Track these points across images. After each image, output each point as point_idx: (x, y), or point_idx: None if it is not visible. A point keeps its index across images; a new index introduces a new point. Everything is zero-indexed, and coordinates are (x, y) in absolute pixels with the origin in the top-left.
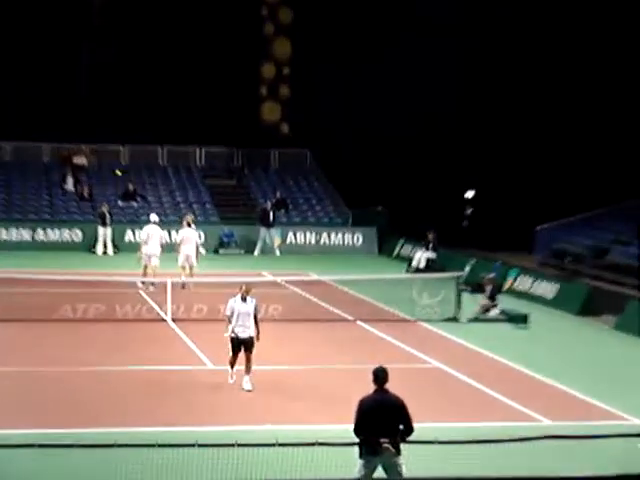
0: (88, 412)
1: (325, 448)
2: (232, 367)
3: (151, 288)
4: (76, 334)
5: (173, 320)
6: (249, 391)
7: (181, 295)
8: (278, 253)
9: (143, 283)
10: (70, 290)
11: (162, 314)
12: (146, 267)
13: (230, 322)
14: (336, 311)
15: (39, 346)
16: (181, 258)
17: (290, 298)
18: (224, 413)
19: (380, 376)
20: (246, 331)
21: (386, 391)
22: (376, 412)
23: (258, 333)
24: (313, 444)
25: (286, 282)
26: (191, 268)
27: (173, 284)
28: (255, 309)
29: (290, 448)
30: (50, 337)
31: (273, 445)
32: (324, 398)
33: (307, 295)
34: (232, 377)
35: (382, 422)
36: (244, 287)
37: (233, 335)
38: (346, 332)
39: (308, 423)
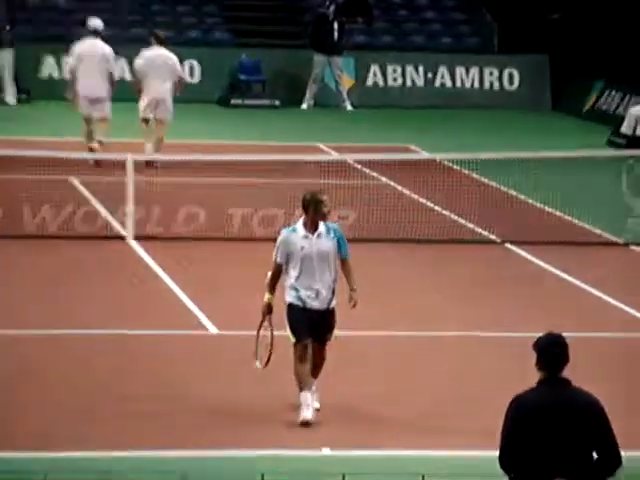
0: None
1: None
2: (301, 373)
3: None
4: None
5: (138, 239)
6: (316, 410)
7: (148, 188)
8: (349, 106)
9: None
10: None
11: (117, 226)
12: (89, 122)
13: (275, 278)
14: (467, 224)
15: None
16: (145, 104)
17: (376, 197)
18: (256, 428)
19: (554, 354)
20: (322, 295)
21: (566, 384)
22: (545, 424)
23: (353, 289)
24: None
25: (367, 165)
26: (161, 126)
27: (135, 165)
28: (341, 247)
29: None
30: None
31: None
32: (442, 398)
33: (408, 192)
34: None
35: (557, 444)
36: (313, 200)
37: (295, 301)
38: (488, 265)
39: (411, 447)
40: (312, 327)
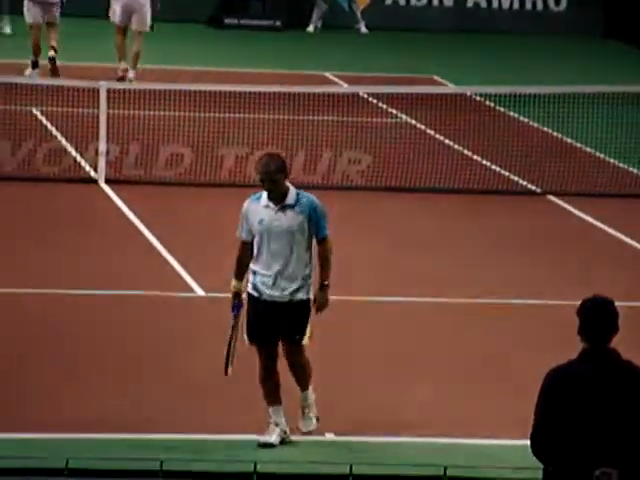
0: None
1: None
2: (264, 385)
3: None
4: None
5: (111, 182)
6: (309, 431)
7: (124, 123)
8: (364, 28)
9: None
10: None
11: (86, 167)
12: (36, 33)
13: (241, 260)
14: (501, 171)
15: None
16: (118, 10)
17: (394, 138)
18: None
19: (600, 321)
20: (281, 283)
21: (613, 356)
22: (587, 403)
23: (323, 286)
24: None
25: (384, 100)
26: (139, 38)
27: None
28: (314, 225)
29: None
30: None
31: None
32: (468, 375)
33: (432, 132)
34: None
35: (601, 427)
36: (259, 167)
37: (250, 290)
38: (525, 219)
39: (429, 434)
40: (271, 324)
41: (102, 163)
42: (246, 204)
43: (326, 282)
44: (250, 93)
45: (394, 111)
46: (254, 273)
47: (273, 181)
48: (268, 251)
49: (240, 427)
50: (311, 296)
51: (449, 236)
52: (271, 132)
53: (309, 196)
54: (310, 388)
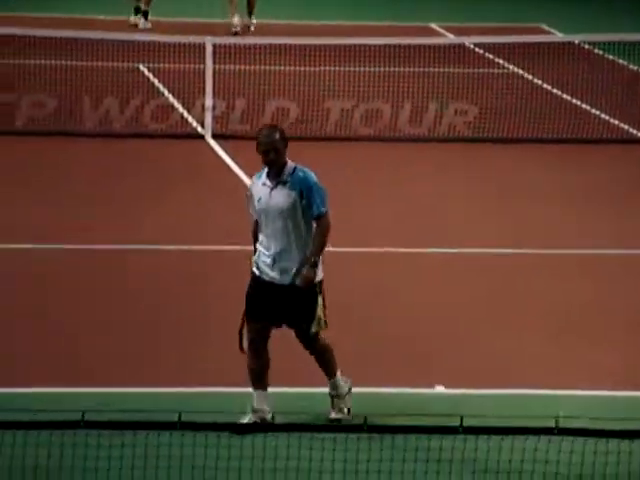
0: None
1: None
2: (251, 366)
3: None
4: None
5: (217, 137)
6: (338, 420)
7: (230, 78)
8: None
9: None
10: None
11: (193, 122)
12: None
13: (255, 237)
14: (612, 120)
15: None
16: None
17: (501, 89)
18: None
19: None
20: (280, 264)
21: None
22: None
23: (312, 262)
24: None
25: (490, 50)
26: None
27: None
28: (307, 203)
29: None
30: None
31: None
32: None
33: (540, 82)
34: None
35: None
36: (257, 139)
37: (253, 268)
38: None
39: (538, 385)
40: (269, 305)
41: (209, 118)
42: (251, 181)
43: (313, 258)
44: (355, 45)
45: (501, 61)
46: (258, 252)
47: (276, 150)
48: (267, 231)
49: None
50: (317, 279)
51: (559, 187)
52: (376, 85)
53: (305, 171)
54: (338, 375)
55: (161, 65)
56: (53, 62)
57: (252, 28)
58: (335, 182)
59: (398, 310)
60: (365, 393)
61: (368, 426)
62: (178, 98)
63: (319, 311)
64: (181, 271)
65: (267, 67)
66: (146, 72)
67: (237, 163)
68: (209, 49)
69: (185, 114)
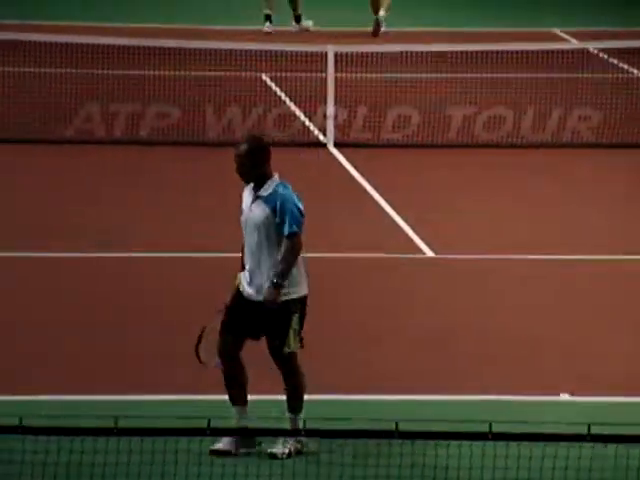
0: None
1: None
2: (225, 376)
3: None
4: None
5: (339, 146)
6: (278, 456)
7: (352, 86)
8: None
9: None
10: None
11: (315, 131)
12: None
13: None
14: None
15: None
16: None
17: (626, 94)
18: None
19: None
20: (256, 280)
21: None
22: None
23: (273, 282)
24: None
25: (614, 55)
26: None
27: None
28: (279, 220)
29: None
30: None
31: None
32: None
33: None
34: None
35: None
36: (241, 143)
37: (239, 284)
38: None
39: None
40: (247, 322)
41: (330, 127)
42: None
43: (275, 280)
44: (477, 52)
45: (625, 66)
46: (243, 266)
47: (239, 164)
48: (246, 245)
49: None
50: (292, 296)
51: None
52: (499, 91)
53: (286, 189)
54: (300, 415)
55: (283, 74)
56: (177, 73)
57: (297, 29)
58: (455, 188)
59: (514, 314)
60: (490, 400)
61: (492, 433)
62: (300, 106)
63: (292, 332)
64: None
65: (388, 75)
66: (268, 81)
67: (359, 171)
68: (331, 57)
69: (307, 122)
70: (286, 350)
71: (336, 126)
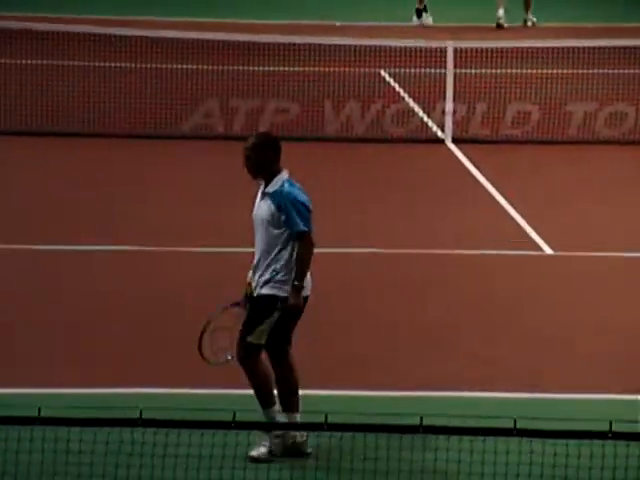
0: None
1: None
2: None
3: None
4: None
5: (458, 142)
6: (255, 456)
7: (471, 82)
8: None
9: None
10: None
11: (433, 127)
12: None
13: None
14: None
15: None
16: None
17: None
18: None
19: None
20: (256, 273)
21: None
22: None
23: (295, 286)
24: None
25: None
26: None
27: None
28: (284, 218)
29: None
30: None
31: None
32: None
33: None
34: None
35: None
36: (250, 136)
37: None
38: None
39: None
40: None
41: (449, 123)
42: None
43: (295, 282)
44: (599, 48)
45: None
46: None
47: (246, 157)
48: (255, 240)
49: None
50: (278, 293)
51: None
52: (620, 87)
53: (292, 186)
54: (275, 408)
55: (402, 70)
56: (296, 69)
57: (529, 24)
58: (575, 185)
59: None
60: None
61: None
62: (418, 102)
63: (265, 326)
64: (423, 275)
65: (508, 70)
66: (387, 77)
67: (477, 167)
68: (450, 53)
69: (425, 118)
70: (249, 339)
71: (454, 122)
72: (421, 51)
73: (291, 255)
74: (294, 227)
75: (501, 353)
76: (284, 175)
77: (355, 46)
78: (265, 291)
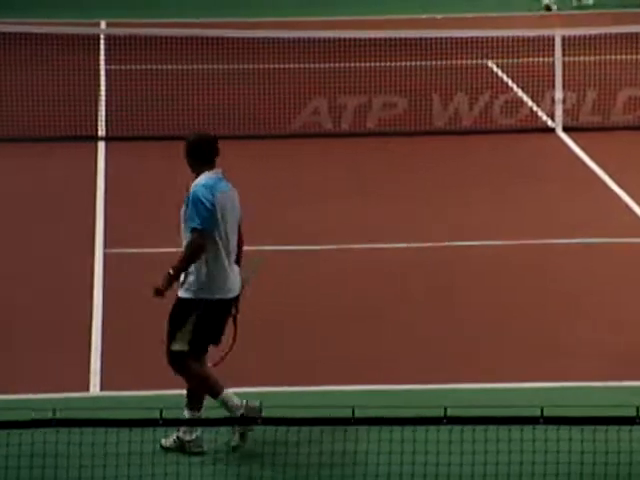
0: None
1: None
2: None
3: None
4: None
5: (568, 130)
6: (163, 445)
7: (580, 70)
8: None
9: None
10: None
11: (543, 116)
12: None
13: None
14: None
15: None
16: None
17: None
18: None
19: None
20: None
21: None
22: None
23: (167, 273)
24: None
25: None
26: None
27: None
28: (187, 207)
29: None
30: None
31: None
32: None
33: None
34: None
35: None
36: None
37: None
38: None
39: None
40: None
41: (559, 111)
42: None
43: (170, 271)
44: None
45: None
46: None
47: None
48: None
49: None
50: (192, 296)
51: None
52: None
53: (198, 186)
54: (222, 394)
55: (509, 60)
56: (403, 63)
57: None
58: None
59: None
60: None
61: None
62: (527, 92)
63: (184, 330)
64: (520, 265)
65: (619, 57)
66: (494, 68)
67: (589, 156)
68: (558, 41)
69: (534, 108)
70: (173, 348)
71: (565, 110)
72: (528, 40)
73: (206, 258)
74: (190, 222)
75: (628, 342)
76: (208, 172)
77: (462, 38)
78: (180, 294)
